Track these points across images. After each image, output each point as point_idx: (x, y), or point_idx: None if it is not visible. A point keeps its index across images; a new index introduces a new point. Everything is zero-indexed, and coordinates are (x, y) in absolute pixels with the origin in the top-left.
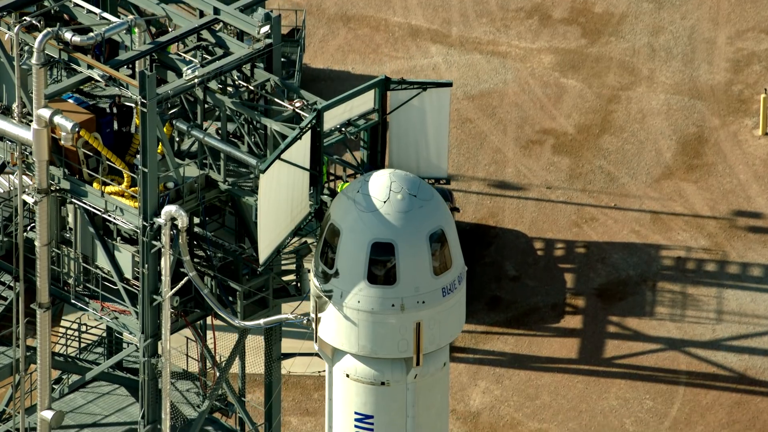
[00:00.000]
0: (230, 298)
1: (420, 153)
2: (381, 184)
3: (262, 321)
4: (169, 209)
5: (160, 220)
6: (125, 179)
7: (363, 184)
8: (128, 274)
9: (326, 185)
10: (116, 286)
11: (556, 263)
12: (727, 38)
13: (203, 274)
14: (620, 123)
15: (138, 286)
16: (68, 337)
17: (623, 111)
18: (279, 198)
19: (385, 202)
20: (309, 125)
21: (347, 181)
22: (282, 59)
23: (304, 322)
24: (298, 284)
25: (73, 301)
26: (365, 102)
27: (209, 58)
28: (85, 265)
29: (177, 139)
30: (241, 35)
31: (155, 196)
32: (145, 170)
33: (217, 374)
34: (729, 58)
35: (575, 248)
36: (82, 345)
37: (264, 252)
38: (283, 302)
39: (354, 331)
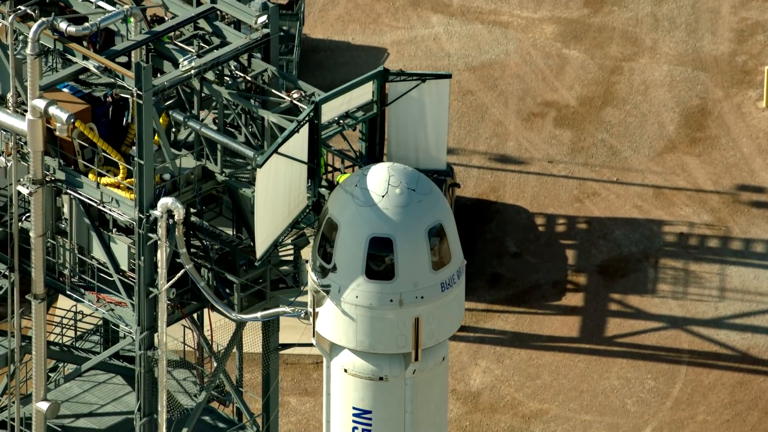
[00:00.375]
0: (227, 290)
1: (419, 145)
2: (379, 178)
3: (259, 314)
4: (165, 201)
5: (156, 213)
6: (121, 171)
7: (361, 178)
8: (124, 266)
9: (324, 177)
10: (112, 277)
11: (557, 239)
12: (731, 7)
13: (200, 265)
14: (623, 95)
15: (134, 278)
16: (64, 326)
17: (626, 83)
18: (276, 192)
19: (383, 196)
20: (307, 118)
21: (346, 172)
22: (281, 33)
23: (302, 316)
24: (296, 275)
25: (68, 292)
26: (364, 94)
27: (206, 47)
28: (80, 256)
29: (174, 129)
30: (238, 24)
31: (151, 188)
32: (141, 162)
33: (215, 364)
34: (733, 28)
35: (577, 224)
36: (78, 333)
37: (261, 246)
38: (280, 294)
39: (352, 327)
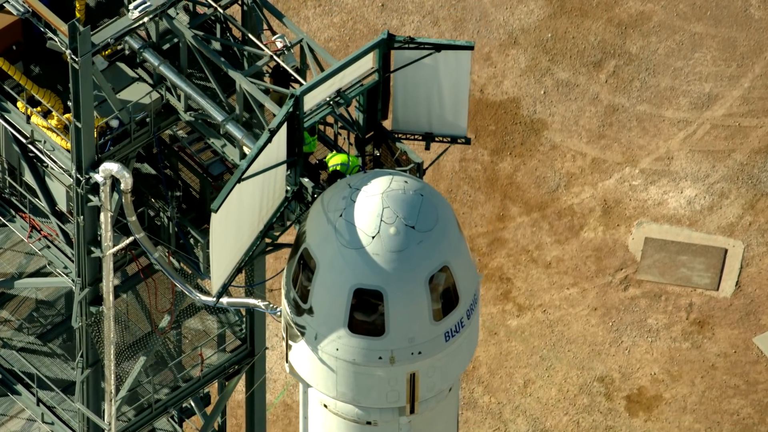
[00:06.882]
0: (192, 243)
1: (432, 110)
2: (370, 211)
3: (225, 300)
4: (110, 168)
5: (98, 178)
6: (55, 118)
7: (348, 206)
8: (62, 206)
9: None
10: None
11: None
12: None
13: (159, 209)
14: None
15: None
16: None
17: None
18: (240, 215)
19: (374, 237)
20: (284, 117)
21: (341, 152)
22: None
23: (278, 314)
24: (282, 215)
25: None
26: (361, 65)
27: None
28: (11, 181)
29: (127, 52)
30: None
31: (91, 150)
32: (79, 125)
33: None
34: None
35: None
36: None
37: (218, 281)
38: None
39: (332, 377)
